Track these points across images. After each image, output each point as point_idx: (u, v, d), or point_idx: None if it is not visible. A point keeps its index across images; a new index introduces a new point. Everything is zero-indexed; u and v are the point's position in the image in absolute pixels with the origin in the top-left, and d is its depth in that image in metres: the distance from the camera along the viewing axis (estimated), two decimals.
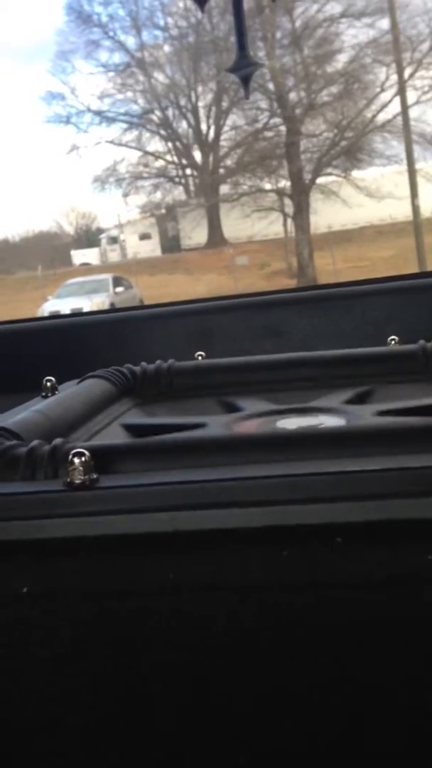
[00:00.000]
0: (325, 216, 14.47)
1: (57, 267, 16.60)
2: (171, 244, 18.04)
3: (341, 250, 14.09)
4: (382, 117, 13.79)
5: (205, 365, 1.00)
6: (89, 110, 15.83)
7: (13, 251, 18.20)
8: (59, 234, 19.61)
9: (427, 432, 0.63)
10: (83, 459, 0.60)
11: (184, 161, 16.53)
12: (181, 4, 14.37)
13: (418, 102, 13.46)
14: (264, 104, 14.37)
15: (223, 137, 15.86)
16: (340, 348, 0.99)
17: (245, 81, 1.17)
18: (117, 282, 13.70)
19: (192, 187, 16.98)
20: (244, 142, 15.20)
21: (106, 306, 11.43)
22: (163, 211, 17.73)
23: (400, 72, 13.24)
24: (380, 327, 1.22)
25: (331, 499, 0.56)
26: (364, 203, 14.42)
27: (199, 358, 1.09)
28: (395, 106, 13.42)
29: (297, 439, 0.66)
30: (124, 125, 16.05)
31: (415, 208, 12.67)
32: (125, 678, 0.59)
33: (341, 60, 14.09)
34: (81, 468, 0.60)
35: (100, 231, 19.34)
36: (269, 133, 14.86)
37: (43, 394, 0.92)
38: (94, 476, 0.60)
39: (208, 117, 15.89)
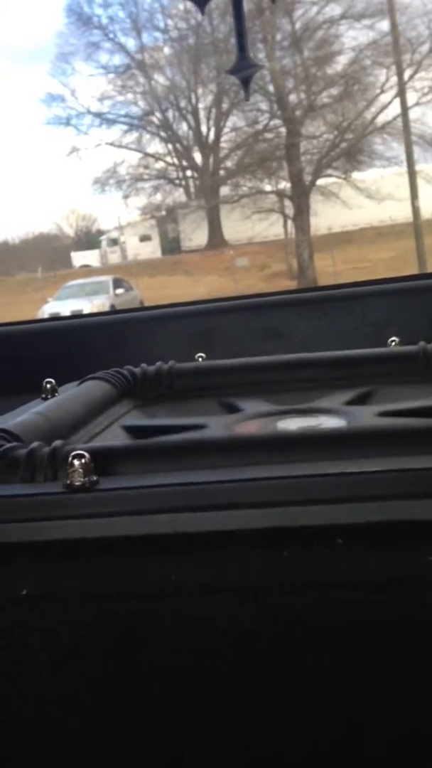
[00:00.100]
0: (325, 217, 14.48)
1: (57, 269, 16.60)
2: (171, 245, 18.04)
3: (341, 251, 14.09)
4: (382, 118, 13.81)
5: (205, 367, 1.00)
6: (89, 112, 15.86)
7: (13, 253, 18.21)
8: (59, 236, 19.63)
9: (427, 433, 0.63)
10: (83, 461, 0.60)
11: (184, 163, 16.54)
12: (181, 6, 14.38)
13: (418, 103, 13.48)
14: (264, 106, 14.39)
15: (223, 139, 15.88)
16: (341, 349, 0.99)
17: (245, 83, 1.17)
18: (117, 284, 13.70)
19: (192, 189, 16.99)
20: (244, 143, 15.22)
21: (106, 308, 11.44)
22: (164, 212, 17.74)
23: (399, 73, 13.25)
24: (380, 328, 1.22)
25: (331, 501, 0.56)
26: (364, 205, 14.42)
27: (200, 359, 1.09)
28: (395, 108, 13.44)
29: (298, 440, 0.66)
30: (125, 127, 16.08)
31: (415, 210, 12.67)
32: (126, 680, 0.58)
33: (341, 62, 14.11)
34: (81, 470, 0.60)
35: (100, 233, 19.35)
36: (269, 135, 14.88)
37: (43, 395, 0.92)
38: (94, 478, 0.60)
39: (208, 119, 15.91)
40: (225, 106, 15.49)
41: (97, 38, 15.49)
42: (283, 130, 14.39)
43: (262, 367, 0.97)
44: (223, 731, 0.57)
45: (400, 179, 13.32)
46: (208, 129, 15.91)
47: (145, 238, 18.29)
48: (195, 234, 16.88)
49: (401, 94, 13.26)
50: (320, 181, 14.46)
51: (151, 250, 18.01)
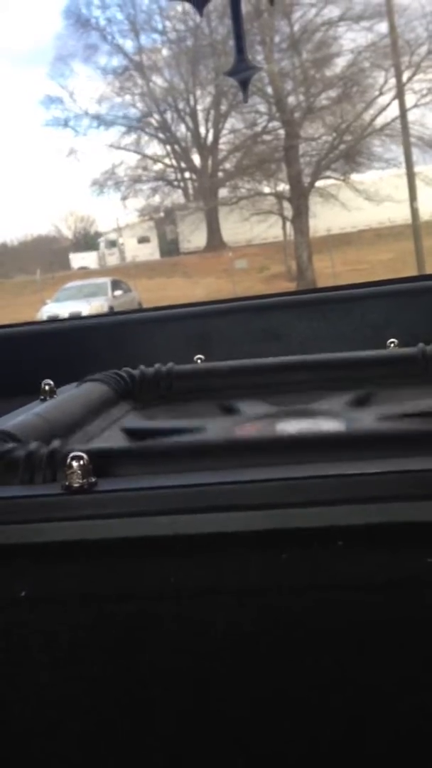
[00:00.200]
0: (324, 219, 14.48)
1: (56, 271, 16.60)
2: (170, 247, 18.05)
3: (340, 253, 14.10)
4: (380, 120, 13.82)
5: (204, 369, 1.00)
6: (88, 114, 15.86)
7: (11, 255, 18.21)
8: (58, 238, 19.63)
9: (426, 435, 0.63)
10: (82, 462, 0.60)
11: (182, 165, 16.55)
12: (179, 8, 14.39)
13: (416, 105, 13.49)
14: (263, 108, 14.40)
15: (221, 141, 15.89)
16: (340, 351, 0.99)
17: (244, 84, 1.17)
18: (116, 285, 13.70)
19: (191, 191, 16.99)
20: (242, 145, 15.23)
21: (104, 309, 11.44)
22: (162, 214, 17.75)
23: (398, 75, 13.27)
24: (379, 330, 1.22)
25: (331, 502, 0.56)
26: (363, 206, 14.43)
27: (198, 361, 1.09)
28: (394, 110, 13.46)
29: (297, 442, 0.66)
30: (123, 129, 16.08)
31: (414, 212, 12.68)
32: (125, 682, 0.58)
33: (340, 64, 14.13)
34: (79, 471, 0.60)
35: (98, 234, 19.35)
36: (268, 137, 14.89)
37: (42, 397, 0.92)
38: (93, 480, 0.60)
39: (206, 120, 15.91)
40: (223, 107, 15.51)
41: (96, 40, 15.50)
42: (281, 132, 14.40)
43: (260, 369, 0.97)
44: (223, 733, 0.57)
45: (399, 181, 13.33)
46: (207, 131, 15.93)
47: (143, 240, 18.29)
48: (193, 236, 16.89)
49: (400, 95, 13.28)
50: (319, 183, 14.46)
51: (150, 251, 18.01)
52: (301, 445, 0.64)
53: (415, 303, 1.27)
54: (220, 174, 16.01)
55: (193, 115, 15.93)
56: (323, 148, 14.21)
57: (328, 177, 14.43)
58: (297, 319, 1.31)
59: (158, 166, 16.46)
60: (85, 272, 16.81)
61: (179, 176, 16.79)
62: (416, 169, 13.23)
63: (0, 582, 0.59)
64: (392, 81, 13.49)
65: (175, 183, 16.83)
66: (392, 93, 13.51)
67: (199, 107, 15.84)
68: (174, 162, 16.53)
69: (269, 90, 14.02)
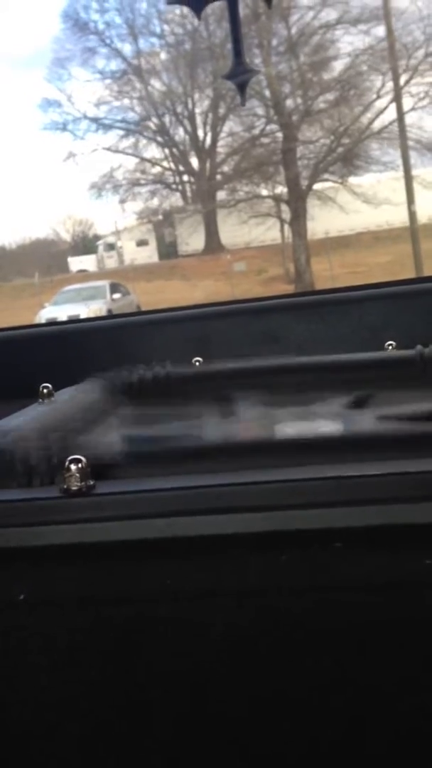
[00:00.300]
0: (322, 222, 14.50)
1: (54, 274, 16.60)
2: (168, 250, 18.05)
3: (338, 255, 14.11)
4: (378, 123, 13.84)
5: (202, 371, 1.00)
6: (86, 117, 15.87)
7: (10, 259, 18.21)
8: (56, 241, 19.62)
9: (425, 437, 0.63)
10: (80, 465, 0.60)
11: (181, 168, 16.57)
12: (177, 11, 14.40)
13: (414, 108, 13.51)
14: (261, 111, 14.42)
15: (220, 144, 15.90)
16: (338, 353, 0.99)
17: (241, 88, 1.17)
18: (114, 288, 13.69)
19: (189, 194, 17.01)
20: (241, 148, 15.24)
21: (103, 312, 11.43)
22: (160, 217, 17.76)
23: (395, 79, 13.29)
24: (377, 332, 1.22)
25: (329, 504, 0.56)
26: (361, 209, 14.45)
27: (197, 364, 1.09)
28: (391, 113, 13.48)
29: (295, 444, 0.66)
30: (121, 132, 16.09)
31: (412, 214, 12.70)
32: (123, 684, 0.58)
33: (337, 67, 14.15)
34: (78, 474, 0.60)
35: (97, 238, 19.35)
36: (266, 140, 14.90)
37: (40, 400, 0.92)
38: (91, 483, 0.60)
39: (204, 123, 15.93)
40: (221, 111, 15.53)
41: (94, 43, 15.51)
42: (279, 135, 14.42)
43: (259, 371, 0.97)
44: (222, 735, 0.57)
45: (397, 184, 13.35)
46: (205, 134, 15.95)
47: (141, 243, 18.29)
48: (192, 238, 16.90)
49: (397, 99, 13.29)
50: (317, 186, 14.48)
51: (148, 254, 18.02)
52: (300, 446, 0.64)
53: (413, 305, 1.27)
54: (218, 177, 16.03)
55: (192, 118, 15.95)
56: (321, 151, 14.23)
57: (326, 180, 14.45)
58: (295, 322, 1.31)
59: (156, 169, 16.48)
60: (83, 275, 16.81)
61: (177, 179, 16.81)
62: (414, 172, 13.25)
63: None
64: (390, 84, 13.52)
65: (174, 186, 16.85)
66: (390, 96, 13.54)
67: (198, 110, 15.86)
68: (172, 165, 16.55)
69: (267, 93, 14.05)
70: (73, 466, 0.60)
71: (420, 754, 0.55)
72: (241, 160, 15.21)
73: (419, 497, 0.55)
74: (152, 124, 16.08)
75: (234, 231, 15.77)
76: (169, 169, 16.56)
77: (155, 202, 17.05)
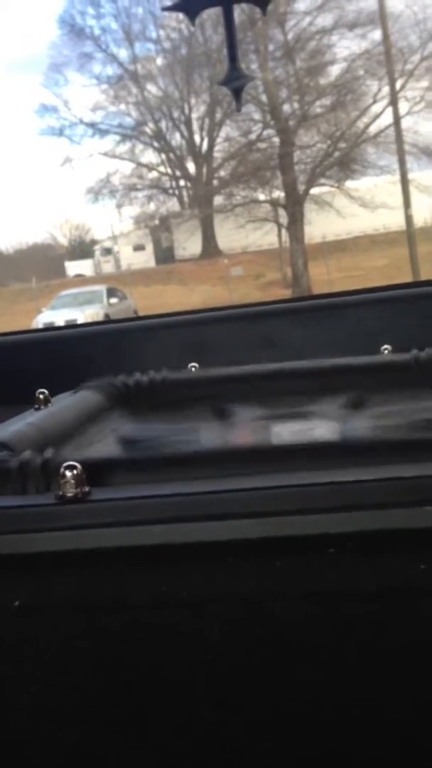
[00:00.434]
0: (319, 226, 14.52)
1: (51, 278, 16.60)
2: (165, 255, 18.06)
3: (335, 259, 14.13)
4: (374, 128, 13.87)
5: (198, 376, 1.00)
6: (82, 122, 15.89)
7: (7, 263, 18.22)
8: (53, 246, 19.63)
9: (420, 442, 0.63)
10: (75, 472, 0.60)
11: (177, 173, 16.59)
12: (173, 17, 14.44)
13: (409, 113, 13.54)
14: (257, 116, 14.44)
15: (216, 149, 15.93)
16: (334, 358, 0.99)
17: (237, 93, 1.18)
18: (111, 293, 13.70)
19: (186, 198, 17.03)
20: (237, 153, 15.26)
21: (100, 317, 11.43)
22: (157, 222, 17.77)
23: (392, 83, 13.33)
24: (373, 336, 1.22)
25: (325, 510, 0.56)
26: (358, 213, 14.47)
27: (193, 369, 1.09)
28: (388, 118, 13.51)
29: (291, 449, 0.66)
30: (118, 137, 16.11)
31: (409, 218, 12.72)
32: (118, 691, 0.58)
33: (334, 72, 14.19)
34: (73, 481, 0.60)
35: (94, 242, 19.36)
36: (263, 145, 14.93)
37: (36, 406, 0.92)
38: (87, 489, 0.60)
39: (201, 129, 15.96)
40: (218, 116, 15.55)
41: (90, 49, 15.53)
42: (276, 139, 14.44)
43: (255, 376, 0.97)
44: (217, 742, 0.57)
45: (393, 188, 13.37)
46: (202, 139, 15.97)
47: (138, 248, 18.30)
48: (189, 243, 16.91)
49: (393, 103, 13.33)
50: (314, 190, 14.50)
51: (145, 259, 18.03)
52: (295, 451, 0.64)
53: (408, 309, 1.27)
54: (215, 182, 16.05)
55: (188, 123, 15.98)
56: (318, 156, 14.25)
57: (323, 184, 14.47)
58: (292, 327, 1.31)
59: (153, 174, 16.50)
60: (80, 280, 16.81)
61: (174, 184, 16.83)
62: (410, 176, 13.28)
63: None
64: (386, 89, 13.56)
65: (170, 191, 16.86)
66: (386, 101, 13.57)
67: (194, 115, 15.89)
68: (169, 170, 16.57)
69: (264, 98, 14.08)
70: (68, 473, 0.60)
71: (416, 761, 0.55)
72: (238, 165, 15.23)
73: (414, 502, 0.55)
74: (149, 129, 16.11)
75: (231, 235, 15.79)
76: (166, 173, 16.59)
77: (152, 206, 17.09)
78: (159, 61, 15.63)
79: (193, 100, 15.67)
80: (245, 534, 0.56)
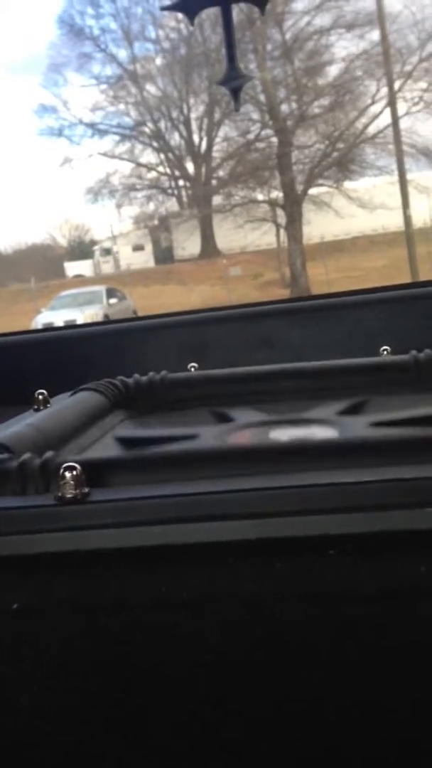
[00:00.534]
0: (318, 226, 14.53)
1: (50, 279, 16.60)
2: (164, 255, 18.06)
3: (334, 260, 14.14)
4: (373, 128, 13.88)
5: (197, 376, 1.00)
6: (81, 123, 15.90)
7: (6, 264, 18.22)
8: (52, 246, 19.63)
9: (419, 443, 0.63)
10: (74, 473, 0.60)
11: (176, 173, 16.59)
12: (172, 17, 14.43)
13: (408, 113, 13.55)
14: (256, 116, 14.45)
15: (215, 148, 15.93)
16: (333, 358, 0.99)
17: (235, 93, 1.17)
18: (111, 293, 13.69)
19: (185, 198, 17.03)
20: (236, 153, 15.26)
21: (99, 317, 11.43)
22: (156, 222, 17.78)
23: (390, 83, 13.33)
24: (372, 337, 1.22)
25: (324, 511, 0.56)
26: (357, 214, 14.48)
27: (192, 369, 1.09)
28: (386, 118, 13.52)
29: (290, 450, 0.66)
30: (117, 137, 16.12)
31: (407, 219, 12.72)
32: (118, 693, 0.58)
33: (332, 72, 14.19)
34: (72, 482, 0.60)
35: (93, 243, 19.36)
36: (261, 145, 14.93)
37: (35, 407, 0.92)
38: (86, 490, 0.60)
39: (200, 129, 15.96)
40: (217, 116, 15.56)
41: (89, 49, 15.54)
42: (274, 139, 14.45)
43: (254, 376, 0.97)
44: (216, 742, 0.57)
45: (392, 188, 13.38)
46: (200, 139, 15.98)
47: (137, 248, 18.31)
48: (188, 243, 16.91)
49: (392, 104, 13.33)
50: (312, 191, 14.51)
51: (144, 259, 18.03)
52: (294, 453, 0.64)
53: (408, 310, 1.27)
54: (214, 182, 16.05)
55: (187, 123, 15.98)
56: (316, 156, 14.26)
57: (321, 184, 14.48)
58: (290, 327, 1.31)
59: (152, 174, 16.51)
60: (80, 280, 16.81)
61: (173, 184, 16.84)
62: (409, 176, 13.29)
63: None
64: (384, 90, 13.56)
65: (169, 191, 16.87)
66: (384, 101, 13.58)
67: (193, 115, 15.89)
68: (168, 170, 16.57)
69: (262, 98, 14.08)
70: (67, 474, 0.60)
71: (416, 761, 0.55)
72: (236, 165, 15.23)
73: (414, 504, 0.55)
74: (148, 129, 16.11)
75: (230, 235, 15.80)
76: (165, 174, 16.59)
77: (151, 207, 17.09)
78: (158, 61, 15.64)
79: (191, 100, 15.68)
80: (245, 535, 0.56)
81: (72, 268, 18.68)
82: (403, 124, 13.45)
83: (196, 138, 16.01)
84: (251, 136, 15.00)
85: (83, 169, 23.76)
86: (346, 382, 0.93)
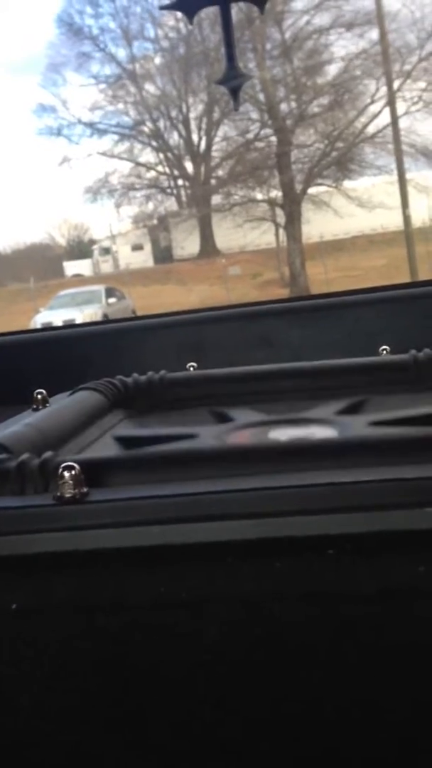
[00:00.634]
0: (317, 226, 14.52)
1: (49, 278, 16.60)
2: (163, 254, 18.06)
3: (333, 259, 14.14)
4: (372, 128, 13.87)
5: (197, 376, 1.00)
6: (80, 122, 15.89)
7: (5, 263, 18.21)
8: (51, 246, 19.62)
9: (418, 443, 0.63)
10: (73, 472, 0.60)
11: (175, 172, 16.59)
12: (171, 17, 14.42)
13: (407, 113, 13.54)
14: (255, 115, 14.44)
15: (214, 148, 15.92)
16: (332, 358, 0.99)
17: (234, 92, 1.17)
18: (110, 293, 13.69)
19: (184, 198, 17.03)
20: (235, 152, 15.25)
21: (98, 317, 11.43)
22: (155, 221, 17.77)
23: (389, 83, 13.32)
24: (372, 337, 1.22)
25: (323, 511, 0.56)
26: (356, 213, 14.48)
27: (191, 369, 1.08)
28: (385, 117, 13.52)
29: (289, 450, 0.66)
30: (116, 137, 16.11)
31: (407, 218, 12.72)
32: (117, 693, 0.58)
33: (331, 71, 14.19)
34: (71, 482, 0.60)
35: (92, 242, 19.35)
36: (260, 144, 14.92)
37: (34, 406, 0.92)
38: (85, 490, 0.60)
39: (199, 128, 15.95)
40: (216, 115, 15.55)
41: (88, 48, 15.53)
42: (274, 139, 14.44)
43: (253, 376, 0.97)
44: (216, 741, 0.57)
45: (391, 188, 13.38)
46: (200, 138, 15.97)
47: (137, 248, 18.30)
48: (187, 243, 16.91)
49: (391, 103, 13.33)
50: (311, 190, 14.50)
51: (143, 259, 18.02)
52: (294, 452, 0.64)
53: (407, 310, 1.27)
54: (213, 181, 16.05)
55: (186, 122, 15.97)
56: (315, 155, 14.25)
57: (321, 184, 14.48)
58: (290, 327, 1.31)
59: (151, 174, 16.50)
60: (79, 280, 16.80)
61: (172, 183, 16.83)
62: (408, 176, 13.29)
63: None
64: (383, 89, 13.56)
65: (168, 190, 16.87)
66: (383, 101, 13.58)
67: (192, 115, 15.89)
68: (167, 169, 16.57)
69: (261, 97, 14.08)
70: (66, 473, 0.60)
71: (415, 762, 0.55)
72: (235, 165, 15.22)
73: (414, 503, 0.55)
74: (147, 128, 16.10)
75: (229, 235, 15.79)
76: (164, 173, 16.59)
77: (150, 206, 17.09)
78: (157, 60, 15.63)
79: (191, 100, 15.68)
80: (244, 535, 0.56)
81: (71, 267, 18.68)
82: (403, 123, 13.46)
83: (195, 137, 16.01)
84: (250, 136, 15.00)
85: (82, 168, 23.77)
86: (346, 381, 0.93)
